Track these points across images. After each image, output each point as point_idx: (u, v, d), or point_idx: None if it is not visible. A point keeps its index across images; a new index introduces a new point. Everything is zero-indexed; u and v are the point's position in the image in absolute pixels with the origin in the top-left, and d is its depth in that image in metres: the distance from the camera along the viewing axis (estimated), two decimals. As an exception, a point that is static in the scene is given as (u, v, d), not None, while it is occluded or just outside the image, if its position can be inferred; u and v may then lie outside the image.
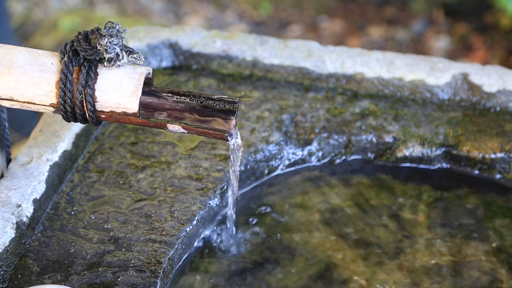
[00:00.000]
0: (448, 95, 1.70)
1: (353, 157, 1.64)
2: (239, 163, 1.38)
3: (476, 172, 1.61)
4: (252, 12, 3.94)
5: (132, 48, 1.26)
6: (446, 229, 1.51)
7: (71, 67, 1.25)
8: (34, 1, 3.94)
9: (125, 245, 1.39)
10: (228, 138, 1.29)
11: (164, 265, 1.36)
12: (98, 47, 1.24)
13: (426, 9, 3.84)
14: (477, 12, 3.73)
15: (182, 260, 1.43)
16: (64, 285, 1.31)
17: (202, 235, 1.48)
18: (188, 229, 1.43)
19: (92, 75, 1.25)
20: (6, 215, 1.37)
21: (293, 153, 1.62)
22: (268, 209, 1.55)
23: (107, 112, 1.26)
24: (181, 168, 1.54)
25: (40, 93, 1.26)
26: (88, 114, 1.27)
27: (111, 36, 1.23)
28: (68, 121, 1.29)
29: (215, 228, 1.50)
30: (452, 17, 3.80)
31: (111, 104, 1.26)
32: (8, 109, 1.36)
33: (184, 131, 1.29)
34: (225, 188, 1.52)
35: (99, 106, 1.26)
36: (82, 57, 1.25)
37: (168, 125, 1.28)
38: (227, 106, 1.27)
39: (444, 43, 3.69)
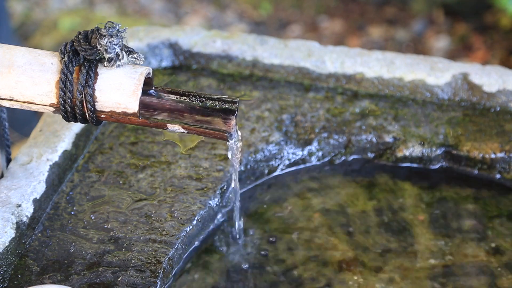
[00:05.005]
0: (448, 95, 1.70)
1: (353, 157, 1.64)
2: (238, 161, 1.38)
3: (476, 172, 1.61)
4: (252, 12, 3.94)
5: (132, 48, 1.26)
6: (446, 229, 1.51)
7: (71, 67, 1.25)
8: (34, 1, 3.94)
9: (125, 245, 1.39)
10: (228, 138, 1.29)
11: (164, 265, 1.36)
12: (98, 47, 1.24)
13: (426, 9, 3.84)
14: (477, 12, 3.73)
15: (182, 259, 1.43)
16: (64, 285, 1.31)
17: (202, 235, 1.48)
18: (188, 229, 1.43)
19: (92, 75, 1.25)
20: (6, 215, 1.37)
21: (293, 153, 1.62)
22: (268, 209, 1.55)
23: (107, 112, 1.26)
24: (181, 168, 1.54)
25: (40, 93, 1.26)
26: (88, 114, 1.27)
27: (111, 36, 1.23)
28: (68, 121, 1.29)
29: (215, 227, 1.50)
30: (452, 17, 3.80)
31: (111, 104, 1.26)
32: (8, 109, 1.36)
33: (184, 131, 1.29)
34: (225, 188, 1.52)
35: (99, 106, 1.26)
36: (82, 57, 1.25)
37: (168, 125, 1.28)
38: (227, 106, 1.27)
39: (444, 43, 3.69)
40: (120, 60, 1.25)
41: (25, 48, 1.29)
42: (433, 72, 1.70)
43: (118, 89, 1.25)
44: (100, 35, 1.23)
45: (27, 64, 1.26)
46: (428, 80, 1.70)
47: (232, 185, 1.44)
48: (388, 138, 1.63)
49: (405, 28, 3.80)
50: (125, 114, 1.26)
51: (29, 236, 1.40)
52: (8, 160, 1.49)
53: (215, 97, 1.28)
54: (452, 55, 3.59)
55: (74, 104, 1.26)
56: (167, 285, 1.37)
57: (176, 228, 1.42)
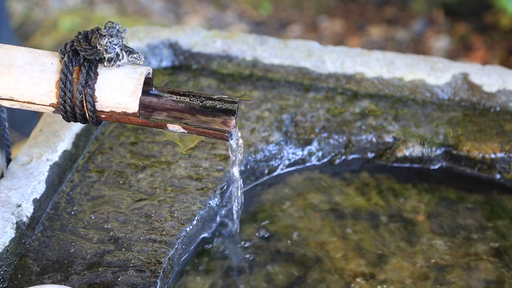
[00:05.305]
0: (448, 95, 1.70)
1: (353, 157, 1.64)
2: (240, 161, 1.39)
3: (476, 172, 1.61)
4: (252, 12, 3.94)
5: (132, 48, 1.26)
6: (446, 229, 1.51)
7: (71, 67, 1.25)
8: (34, 1, 3.94)
9: (125, 245, 1.39)
10: (228, 138, 1.29)
11: (164, 265, 1.36)
12: (98, 47, 1.24)
13: (426, 9, 3.84)
14: (477, 12, 3.73)
15: (182, 259, 1.43)
16: (64, 285, 1.31)
17: (203, 235, 1.48)
18: (188, 229, 1.43)
19: (92, 75, 1.25)
20: (6, 215, 1.37)
21: (293, 153, 1.62)
22: (268, 209, 1.55)
23: (107, 112, 1.26)
24: (181, 168, 1.54)
25: (40, 93, 1.26)
26: (88, 114, 1.27)
27: (111, 36, 1.23)
28: (68, 121, 1.29)
29: (215, 227, 1.50)
30: (452, 17, 3.80)
31: (111, 104, 1.26)
32: (8, 109, 1.36)
33: (184, 131, 1.29)
34: (225, 188, 1.52)
35: (99, 106, 1.26)
36: (82, 57, 1.25)
37: (168, 125, 1.28)
38: (227, 106, 1.27)
39: (444, 43, 3.69)
40: (120, 60, 1.25)
41: (25, 48, 1.29)
42: (433, 72, 1.70)
43: (118, 89, 1.25)
44: (100, 35, 1.23)
45: (27, 64, 1.26)
46: (428, 80, 1.70)
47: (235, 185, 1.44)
48: (388, 138, 1.63)
49: (405, 28, 3.80)
50: (125, 114, 1.26)
51: (29, 236, 1.40)
52: (8, 160, 1.49)
53: (215, 97, 1.28)
54: (452, 55, 3.59)
55: (74, 104, 1.26)
56: (167, 285, 1.37)
57: (176, 228, 1.42)
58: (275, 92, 1.71)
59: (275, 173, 1.62)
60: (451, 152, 1.61)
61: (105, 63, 1.25)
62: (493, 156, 1.59)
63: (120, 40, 1.24)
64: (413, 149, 1.62)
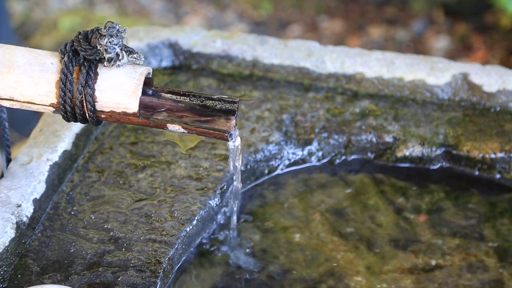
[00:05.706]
0: (448, 95, 1.70)
1: (353, 157, 1.64)
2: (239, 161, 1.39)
3: (476, 172, 1.61)
4: (252, 12, 3.94)
5: (132, 48, 1.26)
6: (446, 229, 1.51)
7: (71, 67, 1.25)
8: (34, 1, 3.94)
9: (125, 245, 1.39)
10: (228, 138, 1.29)
11: (164, 265, 1.36)
12: (98, 47, 1.24)
13: (426, 9, 3.84)
14: (477, 12, 3.73)
15: (182, 259, 1.43)
16: (64, 285, 1.31)
17: (203, 235, 1.48)
18: (188, 229, 1.43)
19: (92, 75, 1.25)
20: (6, 215, 1.37)
21: (293, 153, 1.62)
22: (268, 209, 1.55)
23: (107, 112, 1.26)
24: (181, 168, 1.54)
25: (40, 93, 1.26)
26: (88, 114, 1.27)
27: (111, 36, 1.23)
28: (68, 121, 1.29)
29: (215, 228, 1.50)
30: (452, 17, 3.80)
31: (111, 104, 1.26)
32: (8, 109, 1.36)
33: (184, 131, 1.29)
34: (225, 188, 1.52)
35: (99, 106, 1.26)
36: (82, 57, 1.25)
37: (168, 125, 1.28)
38: (227, 106, 1.27)
39: (444, 43, 3.69)
40: (120, 60, 1.24)
41: (25, 48, 1.29)
42: (433, 72, 1.70)
43: (118, 89, 1.25)
44: (100, 35, 1.23)
45: (27, 64, 1.26)
46: (428, 80, 1.70)
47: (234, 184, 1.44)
48: (388, 138, 1.63)
49: (405, 28, 3.80)
50: (125, 114, 1.26)
51: (29, 236, 1.40)
52: (8, 160, 1.49)
53: (215, 97, 1.28)
54: (452, 55, 3.59)
55: (74, 104, 1.26)
56: (167, 285, 1.37)
57: (176, 228, 1.42)
58: (275, 92, 1.71)
59: (275, 173, 1.62)
60: (451, 152, 1.61)
61: (105, 63, 1.25)
62: (493, 156, 1.59)
63: (120, 40, 1.24)
64: (413, 149, 1.62)
